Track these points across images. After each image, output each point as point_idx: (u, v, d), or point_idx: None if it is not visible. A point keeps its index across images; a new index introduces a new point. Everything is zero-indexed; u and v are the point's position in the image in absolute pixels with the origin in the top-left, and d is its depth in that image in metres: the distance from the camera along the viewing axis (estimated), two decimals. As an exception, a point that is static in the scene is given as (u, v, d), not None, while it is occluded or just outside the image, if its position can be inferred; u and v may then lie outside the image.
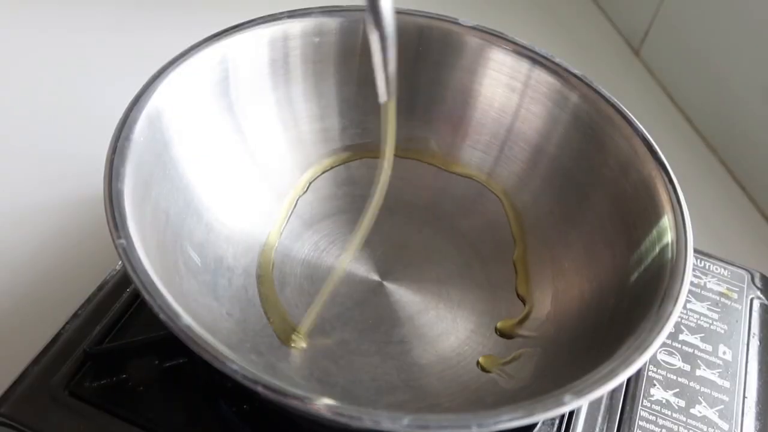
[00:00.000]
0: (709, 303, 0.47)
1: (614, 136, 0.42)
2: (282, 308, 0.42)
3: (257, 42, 0.43)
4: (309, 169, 0.47)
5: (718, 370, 0.44)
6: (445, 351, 0.42)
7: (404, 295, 0.44)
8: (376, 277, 0.45)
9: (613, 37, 0.77)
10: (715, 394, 0.42)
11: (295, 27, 0.44)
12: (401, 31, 0.46)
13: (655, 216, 0.38)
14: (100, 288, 0.42)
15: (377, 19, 0.33)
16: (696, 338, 0.45)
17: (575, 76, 0.44)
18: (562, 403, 0.29)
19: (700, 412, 0.41)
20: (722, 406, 0.42)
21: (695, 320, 0.46)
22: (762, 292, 0.48)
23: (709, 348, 0.45)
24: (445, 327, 0.43)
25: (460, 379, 0.40)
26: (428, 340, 0.42)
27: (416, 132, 0.48)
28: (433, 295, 0.44)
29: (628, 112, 0.42)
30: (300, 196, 0.47)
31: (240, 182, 0.44)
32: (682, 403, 0.42)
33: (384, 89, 0.36)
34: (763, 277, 0.49)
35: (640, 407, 0.41)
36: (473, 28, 0.46)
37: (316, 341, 0.41)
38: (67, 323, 0.40)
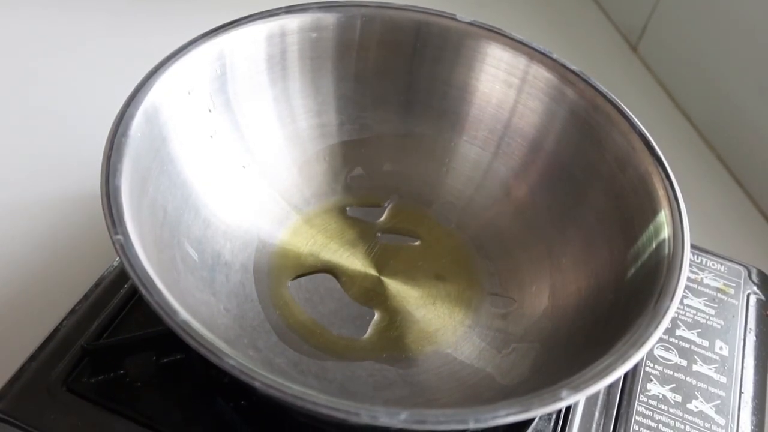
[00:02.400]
0: (705, 298, 0.47)
1: (611, 132, 0.42)
2: None
3: (254, 38, 0.43)
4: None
5: (715, 366, 0.44)
6: (442, 347, 0.42)
7: (402, 291, 0.44)
8: (373, 273, 0.45)
9: (611, 33, 0.77)
10: (712, 390, 0.42)
11: (293, 23, 0.44)
12: (399, 26, 0.47)
13: (652, 212, 0.38)
14: (97, 284, 0.42)
15: None
16: (693, 334, 0.45)
17: (573, 72, 0.44)
18: (559, 399, 0.29)
19: (697, 408, 0.41)
20: (719, 402, 0.42)
21: (692, 316, 0.46)
22: (759, 287, 0.49)
23: (706, 343, 0.45)
24: (443, 323, 0.43)
25: (457, 375, 0.40)
26: (425, 335, 0.42)
27: (414, 128, 0.48)
28: (430, 291, 0.45)
29: (625, 108, 0.42)
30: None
31: (237, 178, 0.44)
32: (679, 399, 0.42)
33: None
34: (759, 273, 0.49)
35: (636, 402, 0.41)
36: (471, 24, 0.46)
37: (314, 338, 0.41)
38: (64, 319, 0.40)
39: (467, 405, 0.37)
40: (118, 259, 0.39)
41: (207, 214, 0.42)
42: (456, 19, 0.46)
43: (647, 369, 0.43)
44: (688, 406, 0.42)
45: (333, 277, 0.44)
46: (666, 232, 0.37)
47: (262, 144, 0.46)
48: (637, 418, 0.41)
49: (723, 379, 0.43)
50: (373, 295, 0.44)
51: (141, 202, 0.35)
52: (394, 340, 0.42)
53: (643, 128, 0.41)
